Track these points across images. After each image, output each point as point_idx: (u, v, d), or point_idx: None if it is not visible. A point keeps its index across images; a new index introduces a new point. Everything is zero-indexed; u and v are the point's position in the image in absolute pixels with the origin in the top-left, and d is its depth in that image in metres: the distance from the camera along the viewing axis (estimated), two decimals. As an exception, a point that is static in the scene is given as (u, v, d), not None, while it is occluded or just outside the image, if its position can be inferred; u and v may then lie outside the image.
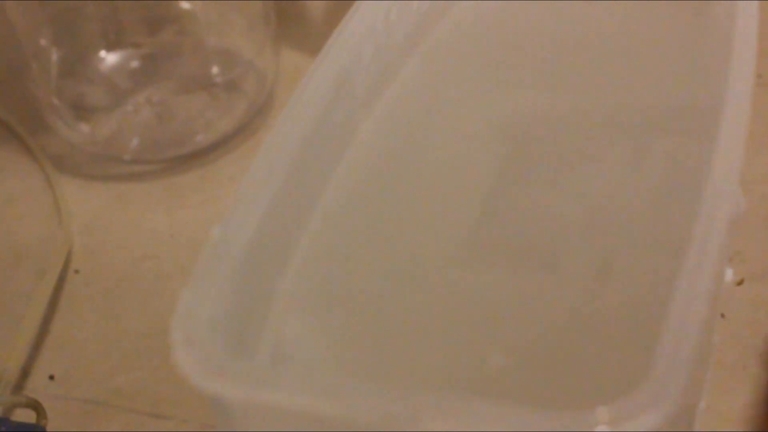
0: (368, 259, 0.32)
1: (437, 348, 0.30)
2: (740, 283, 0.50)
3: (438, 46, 0.37)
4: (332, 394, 0.24)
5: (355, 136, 0.34)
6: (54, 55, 0.66)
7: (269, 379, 0.24)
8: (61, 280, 0.59)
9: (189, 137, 0.64)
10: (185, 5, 0.66)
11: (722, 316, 0.52)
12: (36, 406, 0.51)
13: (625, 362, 0.28)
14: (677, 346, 0.24)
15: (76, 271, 0.60)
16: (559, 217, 0.32)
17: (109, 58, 0.66)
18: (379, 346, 0.30)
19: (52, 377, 0.54)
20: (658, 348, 0.24)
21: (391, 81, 0.36)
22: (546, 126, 0.37)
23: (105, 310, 0.57)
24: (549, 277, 0.31)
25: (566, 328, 0.29)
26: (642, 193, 0.32)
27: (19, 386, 0.54)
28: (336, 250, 0.32)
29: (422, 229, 0.33)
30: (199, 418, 0.52)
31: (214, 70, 0.67)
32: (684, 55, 0.40)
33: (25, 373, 0.55)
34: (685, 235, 0.26)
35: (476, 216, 0.33)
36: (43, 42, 0.66)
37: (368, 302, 0.31)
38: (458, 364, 0.29)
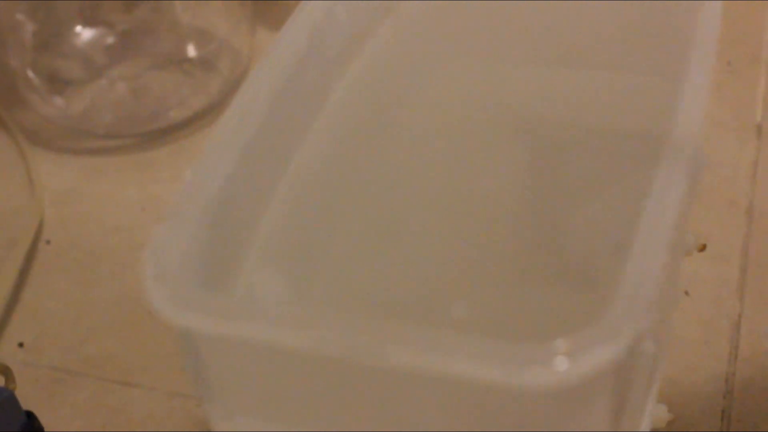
0: (339, 210, 0.32)
1: (404, 296, 0.31)
2: (702, 249, 0.51)
3: (413, 10, 0.38)
4: (299, 326, 0.24)
5: (329, 94, 0.35)
6: (29, 29, 0.66)
7: (237, 312, 0.25)
8: (32, 250, 0.59)
9: (162, 113, 0.65)
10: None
11: (686, 293, 0.53)
12: (5, 371, 0.51)
13: (588, 303, 0.29)
14: (637, 286, 0.25)
15: (47, 242, 0.60)
16: (522, 170, 0.33)
17: (85, 34, 0.67)
18: (346, 292, 0.30)
19: (21, 344, 0.55)
20: (618, 288, 0.25)
21: (366, 42, 0.36)
22: (518, 94, 0.38)
23: (76, 279, 0.58)
24: (515, 225, 0.31)
25: (531, 273, 0.30)
26: (608, 138, 0.33)
27: (-13, 353, 0.54)
28: (309, 201, 0.32)
29: (392, 183, 0.33)
30: (167, 386, 0.52)
31: (189, 47, 0.67)
32: (650, 41, 0.40)
33: (-5, 356, 0.55)
34: (648, 181, 0.27)
35: (442, 171, 0.33)
36: (19, 16, 0.66)
37: (338, 251, 0.31)
38: (424, 310, 0.30)
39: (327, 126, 0.34)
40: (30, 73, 0.65)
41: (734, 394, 0.49)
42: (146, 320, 0.55)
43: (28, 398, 0.49)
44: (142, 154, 0.64)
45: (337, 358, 0.24)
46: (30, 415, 0.50)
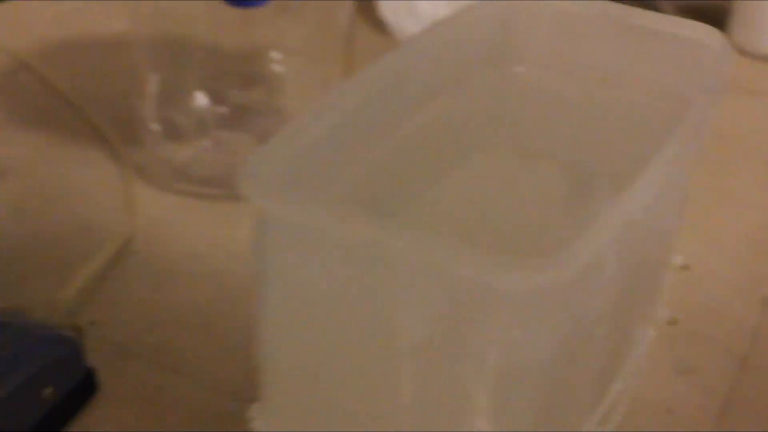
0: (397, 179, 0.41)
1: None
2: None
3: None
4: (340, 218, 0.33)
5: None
6: (157, 83, 0.77)
7: (306, 203, 0.33)
8: (120, 255, 0.68)
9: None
10: (277, 68, 0.78)
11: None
12: (77, 329, 0.60)
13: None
14: (593, 231, 0.33)
15: (133, 253, 0.69)
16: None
17: (203, 99, 0.78)
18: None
19: (93, 322, 0.63)
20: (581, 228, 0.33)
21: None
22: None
23: (151, 284, 0.67)
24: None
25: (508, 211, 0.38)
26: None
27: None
28: (386, 161, 0.41)
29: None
30: (210, 380, 0.60)
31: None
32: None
33: (71, 315, 0.63)
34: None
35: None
36: (150, 73, 0.78)
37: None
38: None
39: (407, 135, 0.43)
40: (151, 120, 0.76)
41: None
42: (205, 326, 0.64)
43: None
44: (227, 205, 0.74)
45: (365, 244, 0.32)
46: (90, 371, 0.59)
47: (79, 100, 0.84)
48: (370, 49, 0.81)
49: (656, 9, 0.47)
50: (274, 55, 0.78)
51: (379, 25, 0.98)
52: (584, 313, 0.34)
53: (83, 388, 0.58)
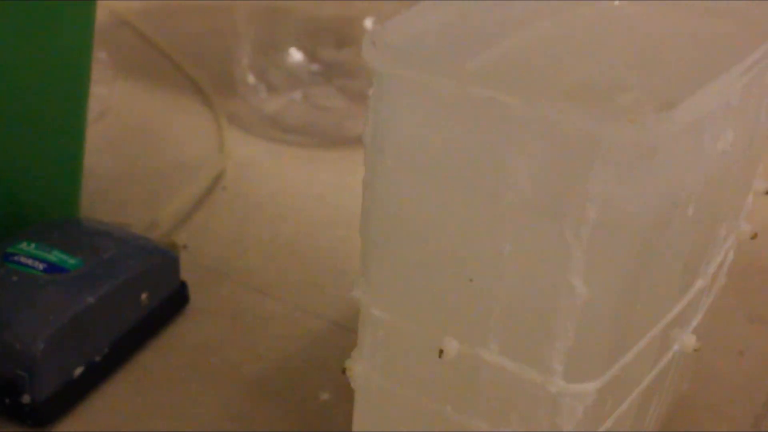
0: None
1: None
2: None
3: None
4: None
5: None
6: (256, 42, 0.81)
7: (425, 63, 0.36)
8: (212, 189, 0.72)
9: (337, 129, 0.78)
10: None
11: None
12: (173, 245, 0.63)
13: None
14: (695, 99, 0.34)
15: (224, 188, 0.73)
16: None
17: (297, 55, 0.81)
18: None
19: (185, 246, 0.66)
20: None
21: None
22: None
23: (240, 216, 0.70)
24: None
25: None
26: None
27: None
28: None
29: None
30: (294, 301, 0.63)
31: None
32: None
33: (167, 236, 0.67)
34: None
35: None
36: (251, 31, 0.82)
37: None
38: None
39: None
40: (246, 71, 0.80)
41: None
42: (289, 255, 0.67)
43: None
44: (313, 152, 0.77)
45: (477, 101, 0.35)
46: (184, 283, 0.62)
47: (178, 56, 0.88)
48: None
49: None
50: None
51: None
52: (680, 182, 0.36)
53: (176, 299, 0.61)
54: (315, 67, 0.81)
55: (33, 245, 0.56)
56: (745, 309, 0.66)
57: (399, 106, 0.37)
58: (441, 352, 0.39)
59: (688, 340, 0.46)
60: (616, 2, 0.48)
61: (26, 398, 0.52)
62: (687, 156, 0.36)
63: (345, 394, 0.47)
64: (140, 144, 0.78)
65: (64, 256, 0.56)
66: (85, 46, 0.59)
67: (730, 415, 0.57)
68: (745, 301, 0.66)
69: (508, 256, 0.37)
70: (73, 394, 0.54)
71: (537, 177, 0.35)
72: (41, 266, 0.55)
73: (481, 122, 0.36)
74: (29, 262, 0.55)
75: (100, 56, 0.83)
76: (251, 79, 0.80)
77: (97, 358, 0.55)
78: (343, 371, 0.43)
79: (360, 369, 0.43)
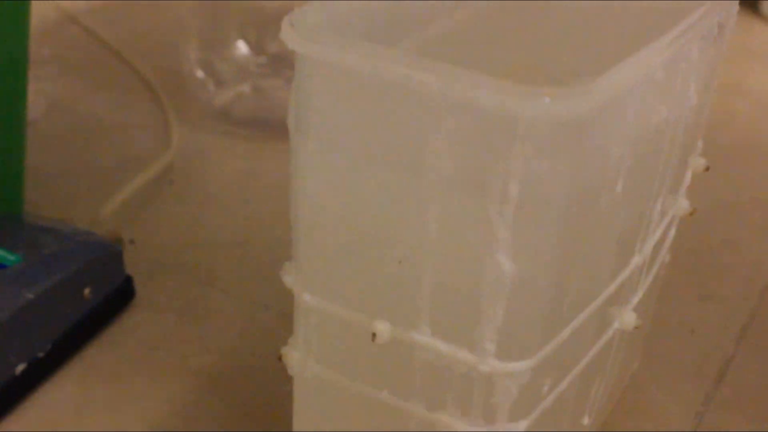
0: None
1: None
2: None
3: None
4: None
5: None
6: (202, 36, 0.81)
7: (343, 46, 0.36)
8: (159, 183, 0.71)
9: (285, 123, 0.78)
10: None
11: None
12: (118, 239, 0.63)
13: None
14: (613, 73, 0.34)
15: (171, 182, 0.72)
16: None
17: (243, 49, 0.81)
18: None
19: (132, 241, 0.66)
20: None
21: None
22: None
23: (189, 210, 0.69)
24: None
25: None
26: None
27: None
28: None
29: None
30: (241, 293, 0.62)
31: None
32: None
33: (112, 231, 0.66)
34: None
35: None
36: (197, 25, 0.81)
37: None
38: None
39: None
40: (194, 65, 0.79)
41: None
42: (237, 247, 0.66)
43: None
44: (262, 144, 0.77)
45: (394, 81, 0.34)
46: (129, 278, 0.61)
47: (126, 52, 0.88)
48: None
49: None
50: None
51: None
52: (604, 157, 0.36)
53: (122, 293, 0.61)
54: (262, 59, 0.81)
55: (-28, 243, 0.56)
56: (695, 287, 0.66)
57: (319, 88, 0.37)
58: (373, 335, 0.39)
59: (628, 317, 0.46)
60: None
61: (-34, 396, 0.52)
62: (612, 131, 0.36)
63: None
64: (87, 140, 0.77)
65: (3, 253, 0.55)
66: (20, 45, 0.58)
67: (681, 393, 0.58)
68: (694, 279, 0.67)
69: (434, 237, 0.36)
70: (15, 392, 0.54)
71: (459, 156, 0.35)
72: (-20, 263, 0.54)
73: (399, 103, 0.35)
74: (-32, 259, 0.55)
75: (44, 53, 0.82)
76: (199, 73, 0.79)
77: (40, 355, 0.55)
78: (279, 358, 0.43)
79: (296, 356, 0.43)
